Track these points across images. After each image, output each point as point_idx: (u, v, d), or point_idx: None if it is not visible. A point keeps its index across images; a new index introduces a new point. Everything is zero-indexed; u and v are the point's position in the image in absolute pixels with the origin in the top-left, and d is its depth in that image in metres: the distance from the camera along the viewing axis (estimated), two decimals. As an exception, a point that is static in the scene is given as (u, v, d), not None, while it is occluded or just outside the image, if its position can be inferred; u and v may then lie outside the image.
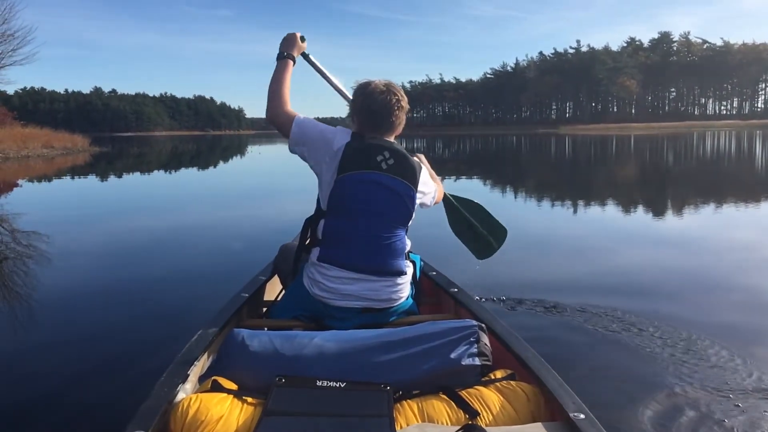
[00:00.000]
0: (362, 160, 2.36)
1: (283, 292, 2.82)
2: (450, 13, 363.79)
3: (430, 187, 2.59)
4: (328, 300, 2.41)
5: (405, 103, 2.50)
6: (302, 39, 2.73)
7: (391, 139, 2.52)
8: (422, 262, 2.94)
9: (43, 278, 5.63)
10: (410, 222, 2.49)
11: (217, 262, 6.19)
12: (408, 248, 2.52)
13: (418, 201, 2.47)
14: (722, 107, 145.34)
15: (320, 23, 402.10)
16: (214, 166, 26.98)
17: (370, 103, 2.44)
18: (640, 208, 10.10)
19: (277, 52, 2.66)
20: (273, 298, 2.91)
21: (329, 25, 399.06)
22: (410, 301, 2.57)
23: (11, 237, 8.12)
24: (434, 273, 3.00)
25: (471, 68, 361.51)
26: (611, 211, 9.86)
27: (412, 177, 2.41)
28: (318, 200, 2.47)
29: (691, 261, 5.99)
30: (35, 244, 7.37)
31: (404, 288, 2.49)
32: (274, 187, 15.30)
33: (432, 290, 2.96)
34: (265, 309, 2.86)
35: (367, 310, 2.41)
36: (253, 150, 42.65)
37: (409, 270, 2.52)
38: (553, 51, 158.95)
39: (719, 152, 28.67)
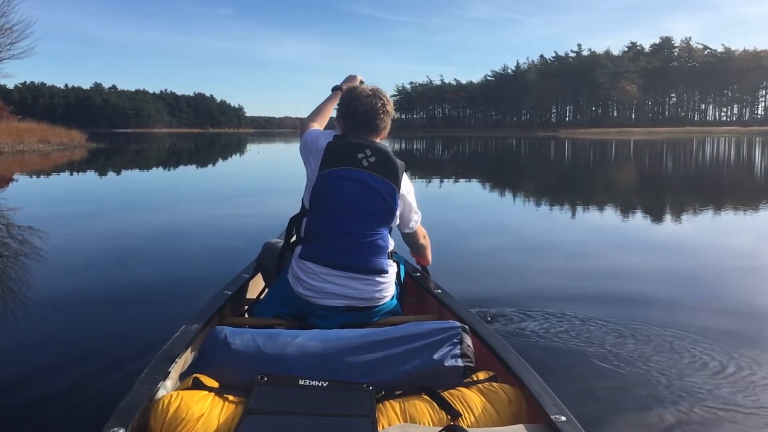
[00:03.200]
0: (343, 157, 2.40)
1: (267, 289, 2.83)
2: (450, 14, 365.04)
3: (412, 194, 2.58)
4: (311, 298, 2.42)
5: (390, 108, 2.55)
6: (361, 83, 2.95)
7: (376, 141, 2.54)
8: (406, 263, 2.95)
9: (28, 274, 5.60)
10: (393, 222, 2.49)
11: (206, 259, 6.17)
12: (391, 248, 2.52)
13: (400, 202, 2.46)
14: (722, 113, 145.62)
15: (321, 23, 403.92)
16: (213, 164, 26.96)
17: (355, 107, 2.49)
18: (638, 214, 10.10)
19: (336, 84, 2.96)
20: (256, 296, 2.90)
21: (330, 24, 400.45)
22: (394, 301, 2.58)
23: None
24: (418, 274, 2.99)
25: (471, 70, 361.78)
26: (608, 216, 9.86)
27: (393, 175, 2.42)
28: (303, 199, 2.50)
29: (688, 267, 5.98)
30: (27, 239, 7.35)
31: (388, 287, 2.49)
32: (271, 187, 15.28)
33: (416, 291, 2.95)
34: (247, 307, 2.86)
35: (350, 308, 2.42)
36: (251, 149, 42.61)
37: (392, 269, 2.53)
38: (554, 54, 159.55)
39: (719, 158, 28.65)
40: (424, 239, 2.83)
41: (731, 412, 2.78)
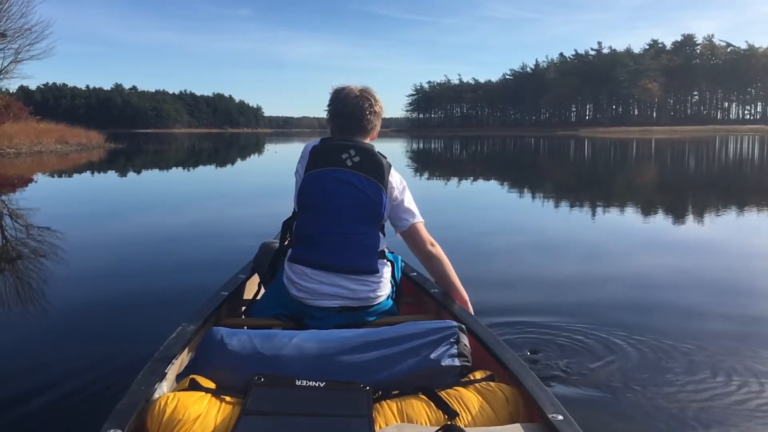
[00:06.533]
0: (327, 158, 2.41)
1: (263, 290, 2.82)
2: (466, 14, 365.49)
3: (402, 191, 2.53)
4: (305, 299, 2.42)
5: (378, 108, 2.53)
6: None
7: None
8: (403, 263, 2.92)
9: (28, 275, 5.62)
10: (381, 220, 2.47)
11: (206, 259, 6.13)
12: (382, 247, 2.50)
13: (387, 200, 2.44)
14: (746, 111, 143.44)
15: (338, 23, 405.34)
16: (232, 164, 27.08)
17: (342, 108, 2.50)
18: (660, 215, 9.90)
19: None
20: (252, 297, 2.90)
21: (347, 24, 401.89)
22: (390, 301, 2.56)
23: None
24: (415, 274, 2.96)
25: (490, 69, 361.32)
26: (629, 216, 9.72)
27: (379, 174, 2.41)
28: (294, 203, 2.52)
29: (701, 269, 5.89)
30: (27, 241, 7.41)
31: (381, 287, 2.47)
32: (279, 186, 15.28)
33: (412, 291, 2.93)
34: (244, 308, 2.86)
35: (344, 309, 2.41)
36: (269, 149, 42.76)
37: (386, 269, 2.50)
38: (573, 52, 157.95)
39: (743, 158, 28.14)
40: (433, 247, 2.56)
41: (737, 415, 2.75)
